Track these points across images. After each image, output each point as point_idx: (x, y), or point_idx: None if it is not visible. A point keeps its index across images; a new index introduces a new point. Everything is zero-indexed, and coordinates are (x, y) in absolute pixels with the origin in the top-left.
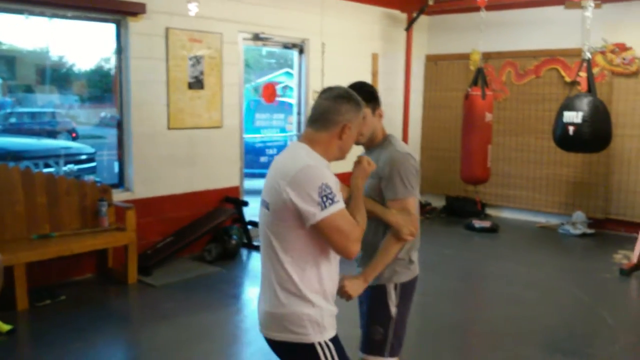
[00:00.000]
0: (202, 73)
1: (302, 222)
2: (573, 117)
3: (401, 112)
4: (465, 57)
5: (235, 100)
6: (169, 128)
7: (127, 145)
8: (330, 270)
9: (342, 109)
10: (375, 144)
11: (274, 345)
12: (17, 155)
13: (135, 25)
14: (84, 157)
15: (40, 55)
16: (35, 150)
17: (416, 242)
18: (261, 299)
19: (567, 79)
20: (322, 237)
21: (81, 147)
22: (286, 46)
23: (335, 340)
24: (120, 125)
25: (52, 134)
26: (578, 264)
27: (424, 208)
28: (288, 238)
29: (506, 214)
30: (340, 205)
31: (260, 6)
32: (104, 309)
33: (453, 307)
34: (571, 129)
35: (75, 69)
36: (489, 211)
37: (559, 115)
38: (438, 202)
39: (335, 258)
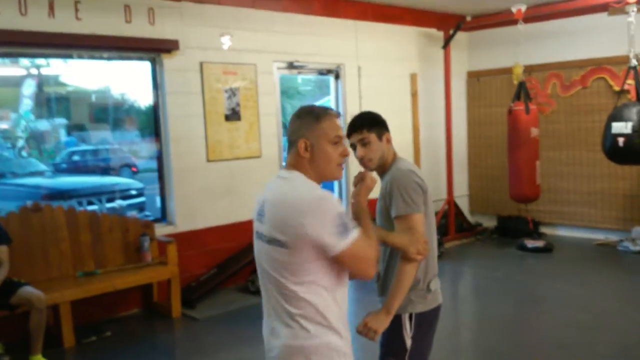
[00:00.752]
0: (238, 104)
1: (320, 253)
2: (622, 127)
3: (443, 131)
4: (507, 71)
5: (273, 129)
6: (208, 160)
7: (167, 179)
8: (344, 296)
9: (294, 127)
10: (386, 168)
11: None
12: (65, 195)
13: (169, 62)
14: (133, 192)
15: (99, 95)
16: (84, 188)
17: (432, 268)
18: (272, 333)
19: (616, 88)
20: (342, 265)
21: (130, 182)
22: (321, 72)
23: None
24: (160, 160)
25: (114, 170)
26: (638, 284)
27: (475, 229)
28: (304, 270)
29: (562, 232)
30: (355, 233)
31: (293, 35)
32: (148, 343)
33: (501, 333)
34: (621, 140)
35: (131, 106)
36: (544, 230)
37: (607, 126)
38: (489, 222)
39: (346, 284)
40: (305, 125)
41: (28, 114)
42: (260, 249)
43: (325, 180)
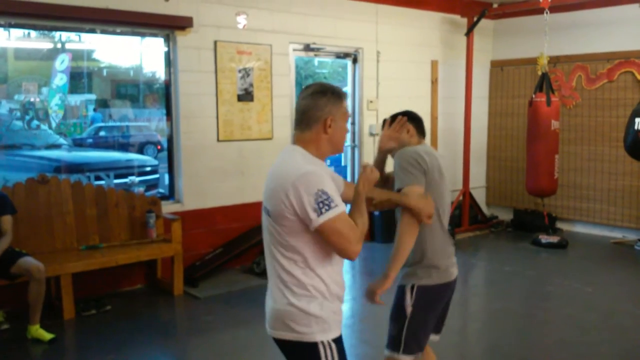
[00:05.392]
0: (251, 85)
1: (304, 226)
2: None
3: (462, 122)
4: (532, 61)
5: (286, 112)
6: (218, 140)
7: (177, 158)
8: (335, 271)
9: (320, 104)
10: None
11: (279, 344)
12: (79, 168)
13: (183, 39)
14: (147, 169)
15: (128, 72)
16: (98, 163)
17: (441, 245)
18: (268, 298)
19: None
20: (323, 240)
21: (145, 159)
22: (339, 56)
23: (338, 340)
24: (170, 138)
25: (138, 147)
26: None
27: (490, 221)
28: (291, 241)
29: (579, 229)
30: (337, 210)
31: (311, 16)
32: (146, 320)
33: (503, 330)
34: None
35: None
36: (561, 225)
37: (631, 121)
38: (506, 216)
39: (340, 260)
40: (332, 102)
41: (65, 87)
42: (262, 220)
43: (332, 154)
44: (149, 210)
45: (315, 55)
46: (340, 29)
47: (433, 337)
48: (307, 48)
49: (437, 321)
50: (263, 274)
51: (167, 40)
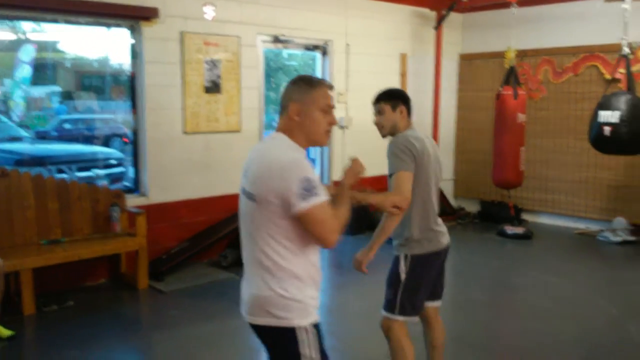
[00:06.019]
0: (219, 77)
1: (285, 212)
2: (609, 116)
3: (431, 115)
4: (500, 55)
5: (254, 104)
6: (184, 132)
7: (142, 150)
8: (314, 257)
9: (288, 91)
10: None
11: (257, 330)
12: (41, 162)
13: (149, 30)
14: (113, 161)
15: (93, 63)
16: (61, 156)
17: (428, 223)
18: (245, 284)
19: (607, 76)
20: (303, 227)
21: (110, 152)
22: (308, 48)
23: (316, 325)
24: (135, 130)
25: (103, 140)
26: (613, 275)
27: (457, 213)
28: (273, 226)
29: (544, 220)
30: (320, 198)
31: (279, 8)
32: (109, 315)
33: (468, 320)
34: (607, 129)
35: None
36: (526, 216)
37: (595, 114)
38: (473, 207)
39: (317, 249)
40: (299, 91)
41: (27, 79)
42: (241, 202)
43: (312, 144)
44: (113, 203)
45: (284, 47)
46: (309, 21)
47: (434, 303)
48: (276, 40)
49: (435, 288)
50: (230, 267)
51: (133, 31)
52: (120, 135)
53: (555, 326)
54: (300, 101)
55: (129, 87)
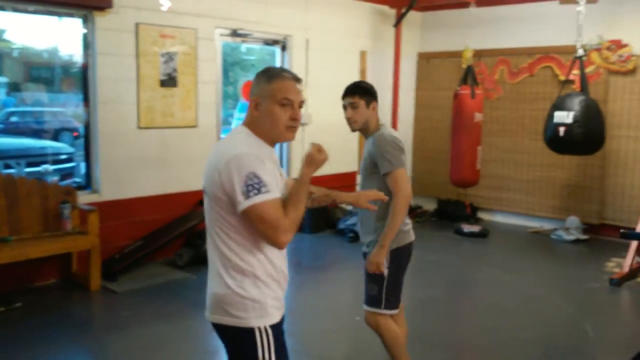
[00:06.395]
0: (175, 70)
1: (234, 208)
2: (564, 117)
3: (390, 112)
4: (458, 54)
5: (211, 98)
6: (139, 127)
7: (94, 145)
8: (274, 255)
9: (251, 85)
10: (370, 132)
11: (216, 328)
12: None
13: (102, 20)
14: (63, 156)
15: (43, 54)
16: (7, 150)
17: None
18: (209, 281)
19: (562, 77)
20: (250, 224)
21: (60, 146)
22: (267, 43)
23: (276, 327)
24: (87, 124)
25: (52, 134)
26: (567, 272)
27: (414, 211)
28: (227, 223)
29: (499, 218)
30: (266, 196)
31: (239, 1)
32: (59, 316)
33: (427, 317)
34: (561, 129)
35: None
36: (481, 215)
37: (550, 115)
38: (429, 205)
39: None
40: (258, 83)
41: None
42: (204, 200)
43: (273, 140)
44: (63, 200)
45: (243, 41)
46: (269, 15)
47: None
48: (234, 34)
49: None
50: (186, 266)
51: (85, 21)
52: (70, 130)
53: (514, 324)
54: (258, 95)
55: (80, 79)
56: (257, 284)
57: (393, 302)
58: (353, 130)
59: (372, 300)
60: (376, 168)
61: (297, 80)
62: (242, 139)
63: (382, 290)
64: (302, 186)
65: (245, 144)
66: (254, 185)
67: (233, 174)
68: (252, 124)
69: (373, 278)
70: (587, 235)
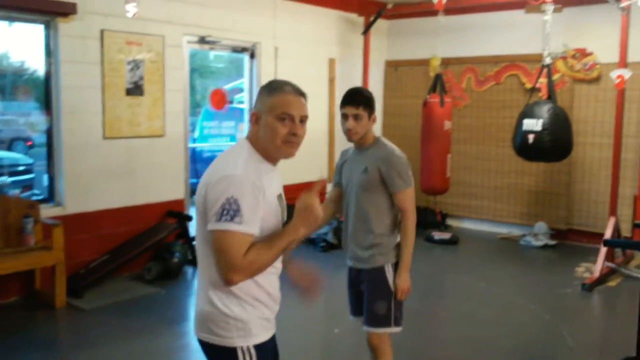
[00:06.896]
0: (141, 78)
1: None
2: (533, 124)
3: None
4: (425, 62)
5: (179, 107)
6: (104, 137)
7: (57, 156)
8: (261, 278)
9: (256, 99)
10: (366, 144)
11: (202, 345)
12: None
13: (65, 27)
14: (21, 168)
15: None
16: None
17: (396, 229)
18: (197, 297)
19: (528, 86)
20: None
21: (17, 157)
22: (235, 50)
23: (260, 347)
24: (50, 134)
25: (4, 144)
26: (539, 278)
27: None
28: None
29: (467, 225)
30: (237, 227)
31: (206, 7)
32: (22, 336)
33: (405, 329)
34: (531, 137)
35: (30, 74)
36: (450, 222)
37: (519, 123)
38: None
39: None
40: (259, 97)
41: None
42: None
43: (272, 157)
44: (25, 214)
45: (211, 48)
46: (237, 22)
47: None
48: (202, 41)
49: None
50: (154, 280)
51: (48, 27)
52: (24, 139)
53: (491, 333)
54: (258, 108)
55: (35, 86)
56: (241, 303)
57: (399, 317)
58: (350, 141)
59: (381, 320)
60: (382, 184)
61: (300, 93)
62: (242, 157)
63: (391, 308)
64: (284, 237)
65: (243, 164)
66: (229, 210)
67: (218, 191)
68: (253, 138)
69: (381, 296)
70: (555, 241)
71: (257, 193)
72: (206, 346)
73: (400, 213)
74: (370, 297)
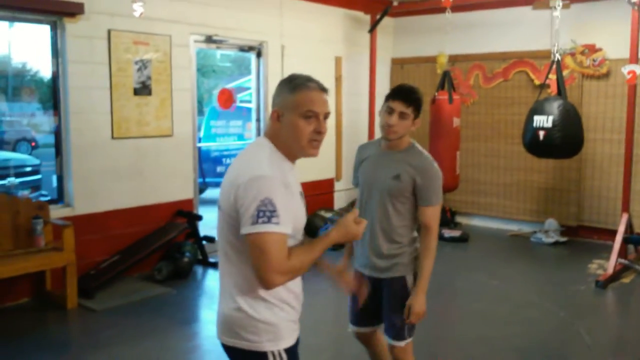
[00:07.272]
0: (149, 78)
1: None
2: (543, 121)
3: (367, 118)
4: (432, 60)
5: (187, 106)
6: (112, 138)
7: (66, 157)
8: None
9: (274, 95)
10: (399, 147)
11: (227, 350)
12: None
13: (72, 27)
14: (28, 169)
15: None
16: None
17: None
18: (220, 301)
19: (537, 82)
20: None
21: (25, 158)
22: (242, 49)
23: (289, 350)
24: (58, 135)
25: (9, 144)
26: (551, 276)
27: None
28: (240, 242)
29: (477, 222)
30: (275, 227)
31: (213, 7)
32: (34, 338)
33: (420, 329)
34: (541, 133)
35: (34, 75)
36: (460, 219)
37: (529, 119)
38: None
39: None
40: (280, 93)
41: None
42: (218, 217)
43: (294, 156)
44: (35, 215)
45: (218, 47)
46: (244, 21)
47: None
48: (209, 40)
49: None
50: (165, 281)
51: (55, 27)
52: (28, 140)
53: (506, 331)
54: (280, 105)
55: (46, 88)
56: (270, 307)
57: (413, 328)
58: (387, 139)
59: (400, 332)
60: (412, 195)
61: (323, 89)
62: (266, 156)
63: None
64: (321, 243)
65: (269, 164)
66: (265, 212)
67: (250, 195)
68: (274, 136)
69: (399, 308)
70: (566, 238)
71: (287, 192)
72: (233, 351)
73: (422, 228)
74: (392, 307)
